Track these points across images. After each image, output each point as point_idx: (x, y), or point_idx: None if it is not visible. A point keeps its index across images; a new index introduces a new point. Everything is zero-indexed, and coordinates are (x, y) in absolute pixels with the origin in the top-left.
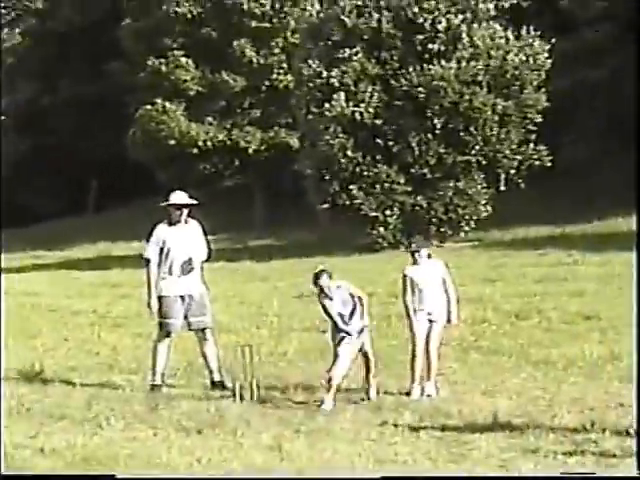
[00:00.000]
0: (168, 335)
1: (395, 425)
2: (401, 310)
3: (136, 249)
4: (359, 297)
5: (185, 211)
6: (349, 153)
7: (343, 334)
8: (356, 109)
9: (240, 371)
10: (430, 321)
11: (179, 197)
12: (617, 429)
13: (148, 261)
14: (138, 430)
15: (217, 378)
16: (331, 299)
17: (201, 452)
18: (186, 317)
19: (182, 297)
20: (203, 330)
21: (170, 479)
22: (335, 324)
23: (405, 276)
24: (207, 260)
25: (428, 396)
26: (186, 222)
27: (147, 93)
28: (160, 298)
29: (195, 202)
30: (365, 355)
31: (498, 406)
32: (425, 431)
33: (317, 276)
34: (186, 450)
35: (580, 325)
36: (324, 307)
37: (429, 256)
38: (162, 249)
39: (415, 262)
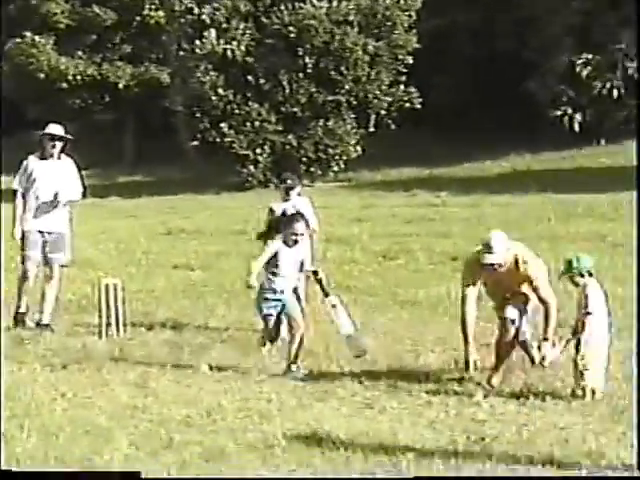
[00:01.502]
0: (27, 269)
1: (262, 364)
2: None
3: (3, 183)
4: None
5: (59, 145)
6: (220, 91)
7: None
8: (227, 47)
9: (106, 308)
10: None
11: (55, 129)
12: (479, 368)
13: (15, 192)
14: (3, 364)
15: (45, 321)
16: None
17: (66, 387)
18: (44, 252)
19: (41, 232)
20: (52, 268)
21: (195, 479)
22: None
23: (272, 211)
24: (80, 198)
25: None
26: (59, 158)
27: (16, 27)
28: (22, 230)
29: (69, 136)
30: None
31: (364, 345)
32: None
33: None
34: (50, 385)
35: (447, 265)
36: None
37: (299, 195)
38: (29, 181)
39: (286, 199)
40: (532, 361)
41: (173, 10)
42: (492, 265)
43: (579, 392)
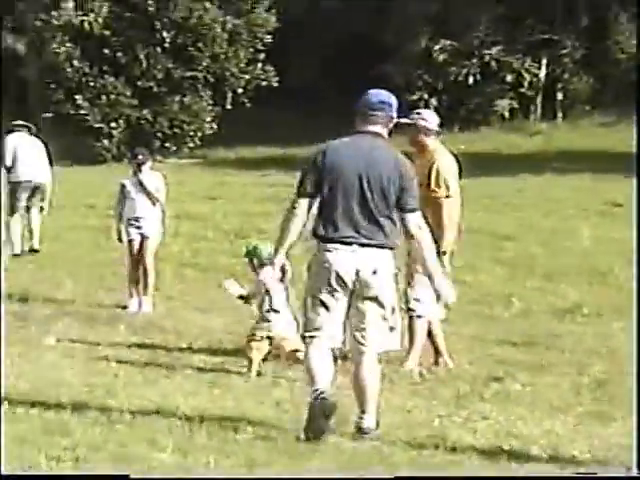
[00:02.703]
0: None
1: (109, 339)
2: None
3: None
4: None
5: None
6: (75, 63)
7: None
8: (85, 18)
9: None
10: (141, 235)
11: None
12: None
13: None
14: None
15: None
16: None
17: None
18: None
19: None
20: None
21: (187, 479)
22: None
23: (124, 186)
24: None
25: (144, 312)
26: None
27: None
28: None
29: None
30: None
31: (212, 324)
32: (138, 344)
33: None
34: None
35: (297, 246)
36: None
37: (150, 169)
38: None
39: (137, 173)
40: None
41: None
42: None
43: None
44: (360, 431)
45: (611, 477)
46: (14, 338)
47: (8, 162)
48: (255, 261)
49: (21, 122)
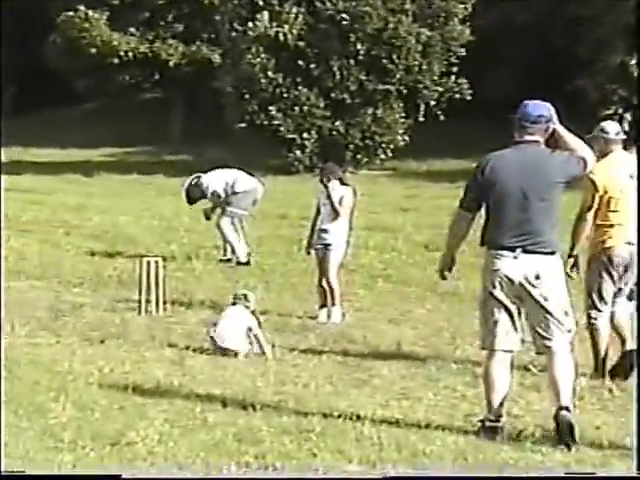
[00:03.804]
0: None
1: (299, 348)
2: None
3: (47, 156)
4: None
5: None
6: (270, 74)
7: None
8: (279, 30)
9: (147, 285)
10: (324, 246)
11: None
12: (517, 364)
13: None
14: (41, 337)
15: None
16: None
17: (103, 362)
18: None
19: None
20: None
21: (176, 479)
22: None
23: (319, 199)
24: None
25: (333, 323)
26: None
27: (70, 0)
28: None
29: None
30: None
31: (402, 335)
32: (328, 355)
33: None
34: (88, 359)
35: None
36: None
37: (341, 182)
38: None
39: (327, 187)
40: None
41: None
42: None
43: None
44: (560, 409)
45: (611, 477)
46: (206, 345)
47: None
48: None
49: None
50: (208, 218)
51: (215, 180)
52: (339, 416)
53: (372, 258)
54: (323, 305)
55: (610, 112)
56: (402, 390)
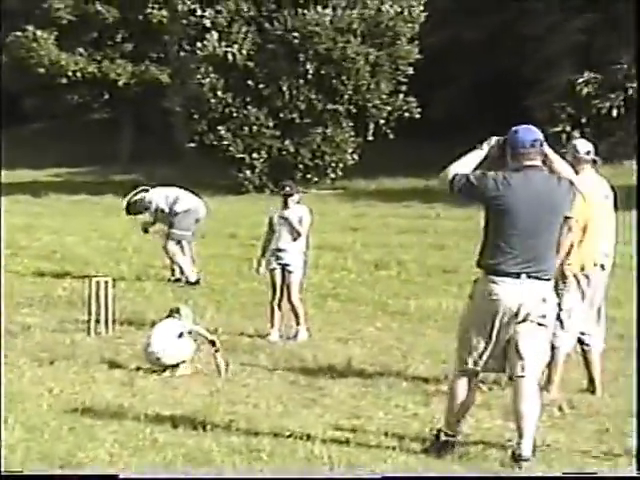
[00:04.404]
0: None
1: (249, 367)
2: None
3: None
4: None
5: None
6: (219, 93)
7: None
8: (228, 49)
9: (96, 305)
10: (282, 266)
11: None
12: None
13: None
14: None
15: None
16: None
17: (53, 383)
18: None
19: None
20: None
21: (173, 479)
22: None
23: (271, 219)
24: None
25: (299, 341)
26: None
27: (18, 20)
28: None
29: None
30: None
31: (353, 354)
32: (279, 375)
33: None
34: (37, 380)
35: (438, 278)
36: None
37: (297, 203)
38: None
39: (286, 206)
40: None
41: (176, 10)
42: None
43: None
44: (517, 458)
45: (611, 477)
46: (150, 366)
47: None
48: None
49: None
50: (146, 231)
51: (159, 196)
52: (289, 435)
53: (322, 277)
54: (272, 324)
55: (558, 129)
56: (353, 409)
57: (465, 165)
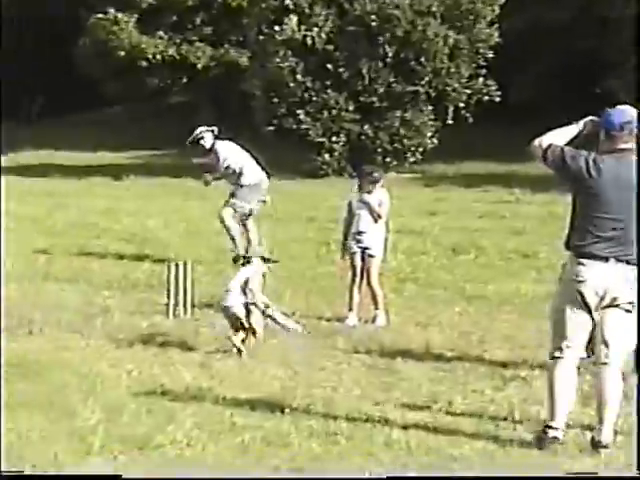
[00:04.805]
0: None
1: (327, 351)
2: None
3: (75, 159)
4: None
5: None
6: (298, 77)
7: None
8: (308, 33)
9: (175, 288)
10: (362, 249)
11: None
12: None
13: None
14: (70, 339)
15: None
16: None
17: (131, 365)
18: None
19: None
20: None
21: (178, 479)
22: None
23: (350, 204)
24: None
25: (379, 326)
26: None
27: (100, 3)
28: None
29: None
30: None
31: (431, 338)
32: (357, 358)
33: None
34: (116, 362)
35: (517, 263)
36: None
37: (382, 187)
38: None
39: (367, 190)
40: None
41: None
42: None
43: None
44: (596, 444)
45: (611, 477)
46: (234, 349)
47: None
48: None
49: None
50: (207, 184)
51: (232, 155)
52: (367, 420)
53: (400, 261)
54: (351, 308)
55: None
56: (430, 394)
57: (561, 136)
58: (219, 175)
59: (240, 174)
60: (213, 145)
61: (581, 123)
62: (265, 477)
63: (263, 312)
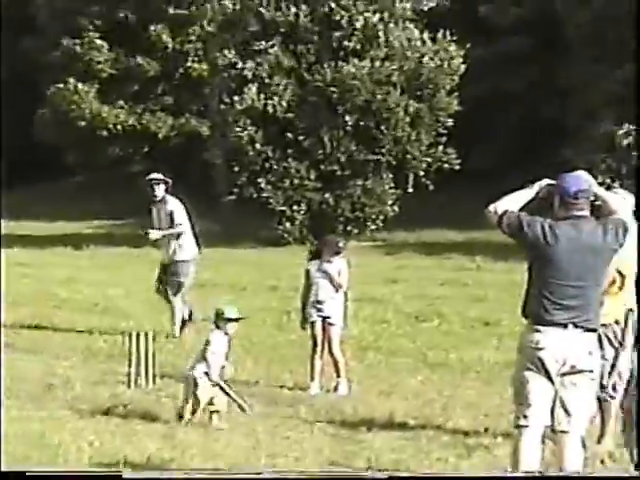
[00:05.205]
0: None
1: (290, 420)
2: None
3: (37, 229)
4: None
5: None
6: (258, 146)
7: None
8: (268, 102)
9: (137, 358)
10: (322, 318)
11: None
12: (509, 435)
13: None
14: (31, 410)
15: None
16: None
17: (93, 436)
18: None
19: None
20: None
21: (174, 479)
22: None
23: (308, 272)
24: None
25: (341, 395)
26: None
27: (60, 72)
28: None
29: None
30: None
31: (394, 406)
32: (319, 427)
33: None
34: (77, 432)
35: (479, 330)
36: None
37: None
38: None
39: (330, 260)
40: None
41: (216, 63)
42: None
43: None
44: None
45: (611, 477)
46: (197, 419)
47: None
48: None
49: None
50: (147, 234)
51: (183, 215)
52: None
53: (362, 329)
54: (312, 377)
55: (599, 181)
56: (393, 462)
57: (516, 201)
58: (164, 232)
59: (180, 246)
60: (164, 197)
61: (536, 186)
62: (265, 477)
63: (216, 384)
